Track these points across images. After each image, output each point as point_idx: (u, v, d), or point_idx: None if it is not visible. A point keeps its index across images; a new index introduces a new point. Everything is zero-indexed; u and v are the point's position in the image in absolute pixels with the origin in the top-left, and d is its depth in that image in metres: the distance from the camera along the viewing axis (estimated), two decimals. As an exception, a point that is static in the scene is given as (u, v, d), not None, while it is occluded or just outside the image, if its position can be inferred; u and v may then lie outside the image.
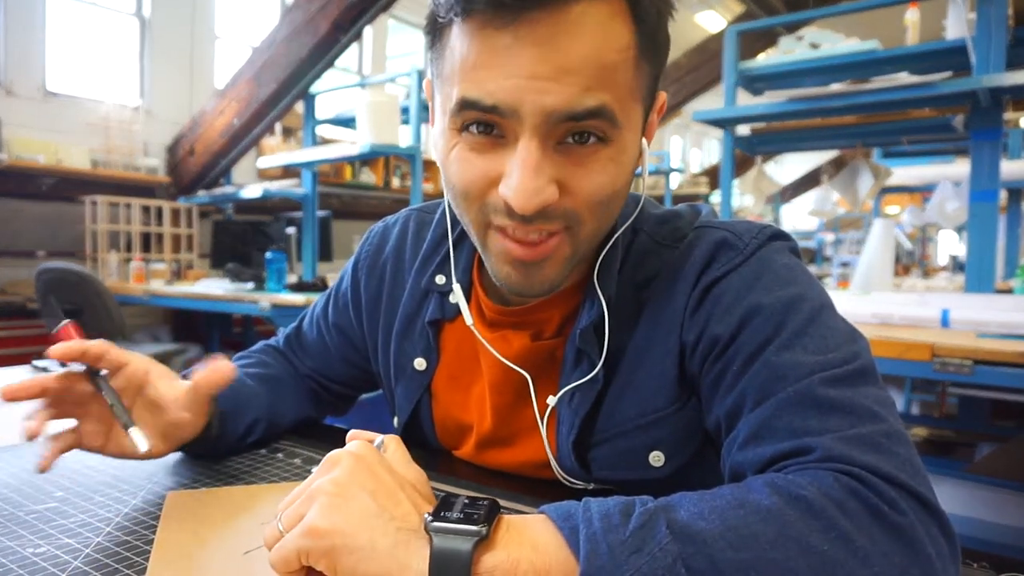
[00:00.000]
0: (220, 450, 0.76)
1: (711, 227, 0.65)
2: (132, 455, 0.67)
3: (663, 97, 0.63)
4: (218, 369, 0.67)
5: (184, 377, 0.70)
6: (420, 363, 0.76)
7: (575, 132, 0.53)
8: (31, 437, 0.60)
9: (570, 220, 0.56)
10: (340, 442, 0.50)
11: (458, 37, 0.54)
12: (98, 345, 0.64)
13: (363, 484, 0.44)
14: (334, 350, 0.87)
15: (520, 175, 0.52)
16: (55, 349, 0.63)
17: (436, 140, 0.60)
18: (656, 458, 0.64)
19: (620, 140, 0.55)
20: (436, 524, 0.41)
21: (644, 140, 0.61)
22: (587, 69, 0.51)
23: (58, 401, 0.63)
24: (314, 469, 0.46)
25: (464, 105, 0.53)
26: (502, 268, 0.59)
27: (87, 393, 0.65)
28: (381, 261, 0.82)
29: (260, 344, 0.93)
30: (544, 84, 0.51)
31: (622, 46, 0.53)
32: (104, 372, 0.65)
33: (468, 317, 0.70)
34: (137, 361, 0.67)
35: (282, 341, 0.92)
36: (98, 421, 0.66)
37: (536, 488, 0.68)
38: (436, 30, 0.56)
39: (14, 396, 0.60)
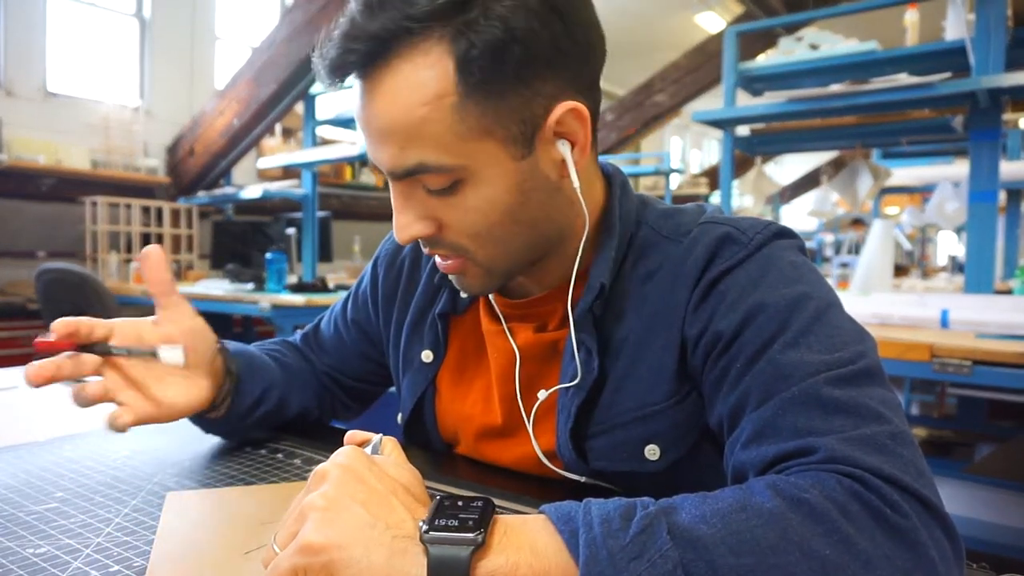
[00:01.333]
0: (235, 413, 0.77)
1: (716, 222, 0.65)
2: (178, 404, 0.69)
3: (565, 107, 0.58)
4: (147, 257, 0.72)
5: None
6: (427, 355, 0.77)
7: (421, 182, 0.59)
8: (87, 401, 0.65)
9: (459, 250, 0.62)
10: (341, 442, 0.50)
11: None
12: (84, 322, 0.67)
13: (354, 495, 0.43)
14: (351, 345, 0.89)
15: (394, 213, 0.62)
16: (54, 335, 0.66)
17: None
18: (652, 451, 0.64)
19: (472, 179, 0.57)
20: (432, 534, 0.41)
21: (563, 146, 0.59)
22: (396, 131, 0.56)
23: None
24: (314, 469, 0.46)
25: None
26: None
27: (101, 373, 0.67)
28: (400, 259, 0.85)
29: (277, 339, 0.94)
30: (375, 145, 0.58)
31: (433, 96, 0.54)
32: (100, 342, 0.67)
33: (491, 297, 0.73)
34: (119, 321, 0.70)
35: (300, 339, 0.94)
36: (131, 390, 0.68)
37: (535, 487, 0.69)
38: None
39: (38, 377, 0.64)
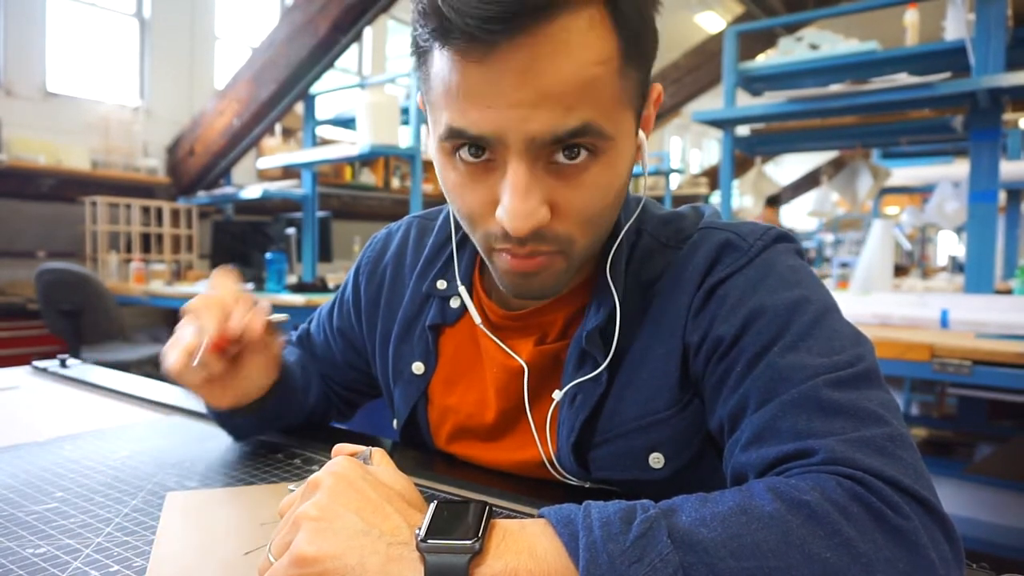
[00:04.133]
0: (271, 419, 0.79)
1: (715, 228, 0.64)
2: (252, 379, 0.72)
3: (657, 89, 0.62)
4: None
5: None
6: (418, 367, 0.76)
7: (565, 148, 0.53)
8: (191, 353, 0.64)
9: (563, 244, 0.57)
10: (340, 442, 0.50)
11: (440, 63, 0.53)
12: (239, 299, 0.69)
13: (347, 503, 0.42)
14: (339, 355, 0.88)
15: (511, 199, 0.53)
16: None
17: (432, 151, 0.60)
18: (656, 460, 0.64)
19: (612, 150, 0.55)
20: (428, 542, 0.40)
21: (642, 133, 0.61)
22: (567, 89, 0.51)
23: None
24: (315, 469, 0.46)
25: (452, 134, 0.54)
26: (504, 279, 0.61)
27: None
28: (381, 267, 0.83)
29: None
30: (526, 111, 0.51)
31: (604, 58, 0.52)
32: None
33: (476, 316, 0.71)
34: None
35: (295, 342, 0.93)
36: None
37: (535, 489, 0.68)
38: (420, 53, 0.56)
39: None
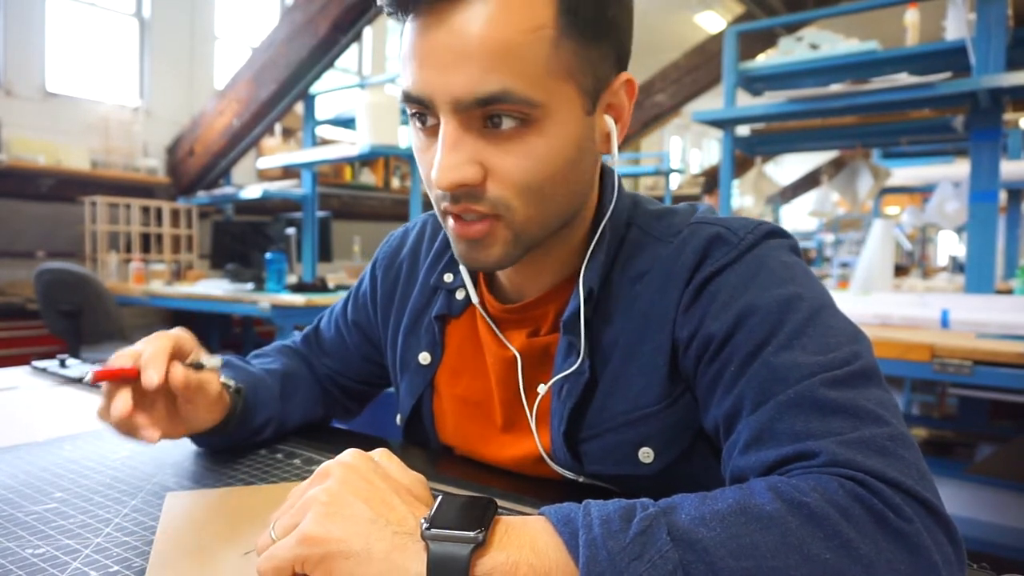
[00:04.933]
0: (232, 440, 0.77)
1: (706, 223, 0.64)
2: (196, 421, 0.69)
3: (624, 77, 0.61)
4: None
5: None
6: (424, 357, 0.77)
7: (490, 115, 0.55)
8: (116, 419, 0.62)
9: (498, 207, 0.58)
10: (340, 443, 0.50)
11: (404, 31, 0.58)
12: (168, 346, 0.65)
13: (357, 491, 0.43)
14: (353, 348, 0.89)
15: (439, 153, 0.56)
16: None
17: None
18: (645, 454, 0.64)
19: (545, 119, 0.56)
20: (432, 531, 0.41)
21: (610, 120, 0.61)
22: (487, 53, 0.53)
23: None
24: (315, 469, 0.46)
25: (403, 97, 0.58)
26: (455, 246, 0.63)
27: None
28: (398, 261, 0.85)
29: (276, 344, 0.93)
30: (448, 72, 0.54)
31: (533, 26, 0.54)
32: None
33: (474, 296, 0.73)
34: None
35: (300, 341, 0.93)
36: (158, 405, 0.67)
37: (535, 488, 0.68)
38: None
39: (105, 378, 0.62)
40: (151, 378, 0.61)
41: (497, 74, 0.53)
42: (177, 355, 0.66)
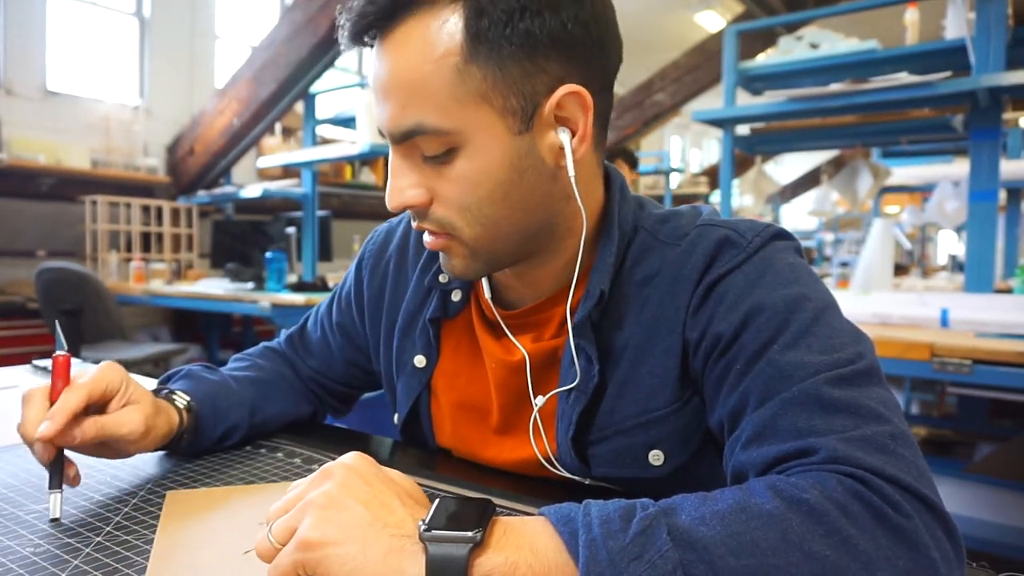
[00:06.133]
0: (194, 451, 0.76)
1: (713, 225, 0.64)
2: (130, 447, 0.68)
3: (567, 89, 0.58)
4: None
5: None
6: (420, 360, 0.76)
7: (417, 145, 0.59)
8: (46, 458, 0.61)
9: (446, 226, 0.61)
10: (340, 442, 0.50)
11: None
12: (87, 392, 0.63)
13: (355, 494, 0.43)
14: (337, 351, 0.88)
15: (388, 179, 0.61)
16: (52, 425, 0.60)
17: None
18: (656, 457, 0.64)
19: (467, 146, 0.57)
20: (431, 532, 0.41)
21: (563, 135, 0.59)
22: (400, 89, 0.57)
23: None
24: (315, 468, 0.46)
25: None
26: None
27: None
28: (384, 260, 0.84)
29: (260, 346, 0.93)
30: (381, 107, 0.59)
31: (437, 56, 0.55)
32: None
33: (487, 290, 0.72)
34: (94, 382, 0.65)
35: (284, 342, 0.93)
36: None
37: (535, 488, 0.68)
38: None
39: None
40: (38, 453, 0.61)
41: (411, 109, 0.57)
42: (97, 401, 0.64)
